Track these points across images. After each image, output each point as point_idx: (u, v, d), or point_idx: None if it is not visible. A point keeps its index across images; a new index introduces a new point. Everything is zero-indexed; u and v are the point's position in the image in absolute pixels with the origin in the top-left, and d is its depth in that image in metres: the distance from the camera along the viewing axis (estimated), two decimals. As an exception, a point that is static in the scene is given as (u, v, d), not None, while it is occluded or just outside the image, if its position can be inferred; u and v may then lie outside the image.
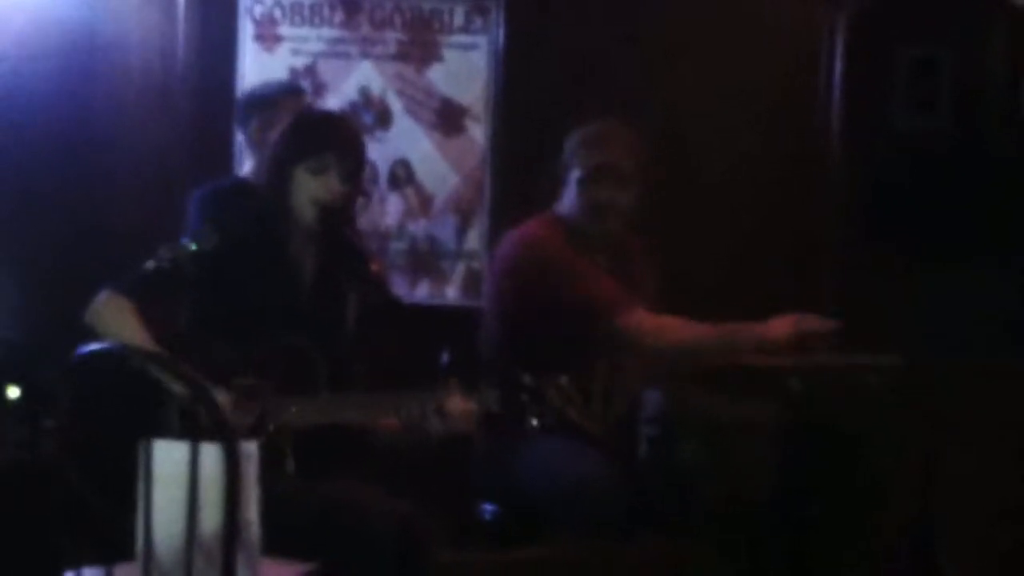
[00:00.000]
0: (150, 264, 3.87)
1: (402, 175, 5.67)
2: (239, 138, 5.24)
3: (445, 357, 3.97)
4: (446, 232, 5.69)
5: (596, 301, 4.34)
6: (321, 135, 3.97)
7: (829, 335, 4.26)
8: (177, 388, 3.68)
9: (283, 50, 5.66)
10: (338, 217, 3.96)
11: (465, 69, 5.70)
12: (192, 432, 3.06)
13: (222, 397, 3.71)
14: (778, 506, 4.27)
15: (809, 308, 4.24)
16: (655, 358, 4.23)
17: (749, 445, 4.30)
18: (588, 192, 4.50)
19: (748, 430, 4.32)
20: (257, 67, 5.61)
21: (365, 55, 5.68)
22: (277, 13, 5.66)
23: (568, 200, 4.54)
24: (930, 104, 5.52)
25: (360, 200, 4.14)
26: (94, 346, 3.77)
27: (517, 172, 5.52)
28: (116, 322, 3.80)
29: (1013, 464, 4.50)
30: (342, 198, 3.94)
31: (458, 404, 3.81)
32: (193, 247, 3.89)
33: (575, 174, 4.51)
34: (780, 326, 4.24)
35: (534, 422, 3.82)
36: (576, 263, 4.43)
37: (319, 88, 5.61)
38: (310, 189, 3.92)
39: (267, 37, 5.66)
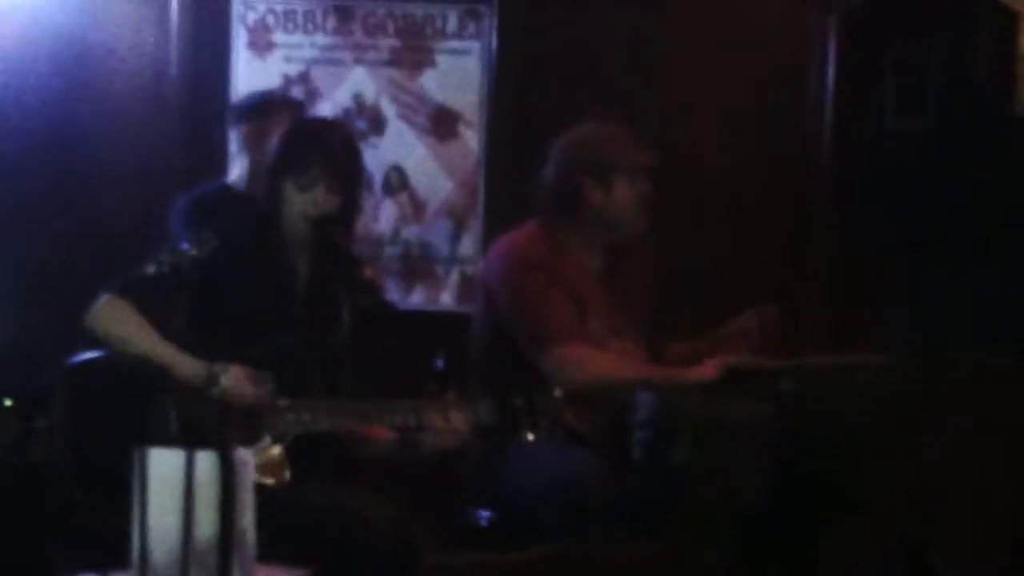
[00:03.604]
0: (150, 268, 3.88)
1: (396, 181, 5.68)
2: (232, 143, 5.25)
3: (439, 363, 3.98)
4: (440, 238, 5.69)
5: (544, 329, 4.37)
6: (308, 149, 3.97)
7: (759, 362, 4.35)
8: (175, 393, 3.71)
9: (276, 57, 5.66)
10: (331, 227, 3.97)
11: (458, 75, 5.70)
12: (188, 439, 3.07)
13: (236, 371, 3.73)
14: (771, 508, 4.28)
15: (799, 306, 4.29)
16: (577, 392, 4.23)
17: (742, 447, 4.31)
18: (637, 190, 4.52)
19: (741, 432, 4.33)
20: (250, 74, 5.61)
21: (358, 61, 5.68)
22: (270, 20, 5.67)
23: (599, 201, 4.52)
24: (919, 105, 5.54)
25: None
26: (91, 353, 3.81)
27: (511, 177, 5.52)
28: (121, 325, 3.82)
29: (1006, 462, 4.51)
30: (333, 209, 3.96)
31: (453, 415, 3.82)
32: (193, 252, 3.91)
33: (619, 173, 4.51)
34: (705, 371, 4.33)
35: (530, 436, 3.85)
36: (548, 283, 4.44)
37: (312, 95, 5.61)
38: (299, 204, 3.94)
39: (260, 44, 5.66)
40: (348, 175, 4.00)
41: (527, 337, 4.40)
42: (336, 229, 3.99)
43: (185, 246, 3.94)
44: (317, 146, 3.99)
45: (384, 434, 3.96)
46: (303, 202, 3.94)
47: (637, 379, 4.37)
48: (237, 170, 5.01)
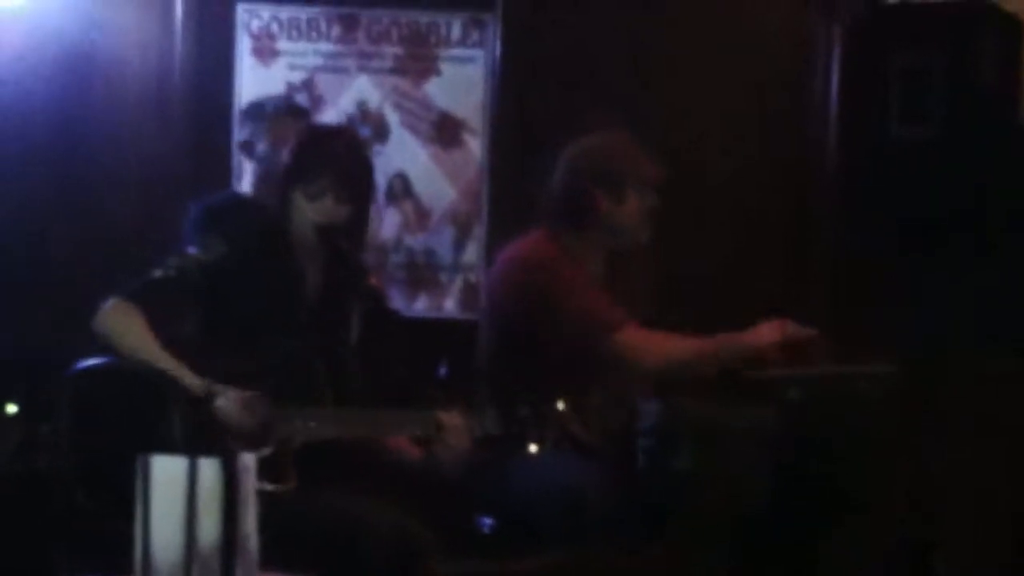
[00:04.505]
0: (158, 273, 3.88)
1: (399, 189, 5.68)
2: (238, 152, 5.26)
3: (443, 371, 3.98)
4: (444, 245, 5.70)
5: (593, 320, 4.36)
6: (317, 159, 3.97)
7: (812, 342, 4.32)
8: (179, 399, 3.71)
9: (280, 64, 5.67)
10: (341, 236, 3.97)
11: (462, 83, 5.71)
12: (192, 444, 3.08)
13: (233, 395, 3.72)
14: (774, 513, 4.29)
15: (803, 313, 4.30)
16: (649, 374, 4.28)
17: (745, 453, 4.32)
18: (645, 202, 4.54)
19: (744, 438, 4.33)
20: (254, 81, 5.62)
21: (362, 69, 5.69)
22: (274, 28, 5.68)
23: (608, 211, 4.53)
24: (923, 112, 5.54)
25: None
26: (96, 359, 3.81)
27: (514, 185, 5.53)
28: (126, 330, 3.82)
29: (1007, 464, 4.52)
30: (342, 219, 3.95)
31: (458, 424, 3.83)
32: (200, 256, 3.91)
33: (629, 185, 4.53)
34: (767, 333, 4.31)
35: (533, 448, 3.85)
36: (574, 282, 4.44)
37: (316, 102, 5.62)
38: (308, 213, 3.94)
39: (264, 51, 5.67)
40: (357, 185, 4.00)
41: (575, 334, 4.36)
42: (344, 238, 3.99)
43: (192, 251, 3.95)
44: (327, 155, 3.99)
45: (408, 447, 3.95)
46: (312, 210, 3.94)
47: (703, 353, 4.36)
48: (245, 180, 5.02)
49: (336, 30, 5.69)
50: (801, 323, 4.38)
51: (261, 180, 4.89)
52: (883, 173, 5.51)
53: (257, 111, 5.12)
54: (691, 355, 4.36)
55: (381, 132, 5.67)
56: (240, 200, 4.97)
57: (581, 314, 4.37)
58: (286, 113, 5.07)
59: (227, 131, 5.42)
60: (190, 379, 3.73)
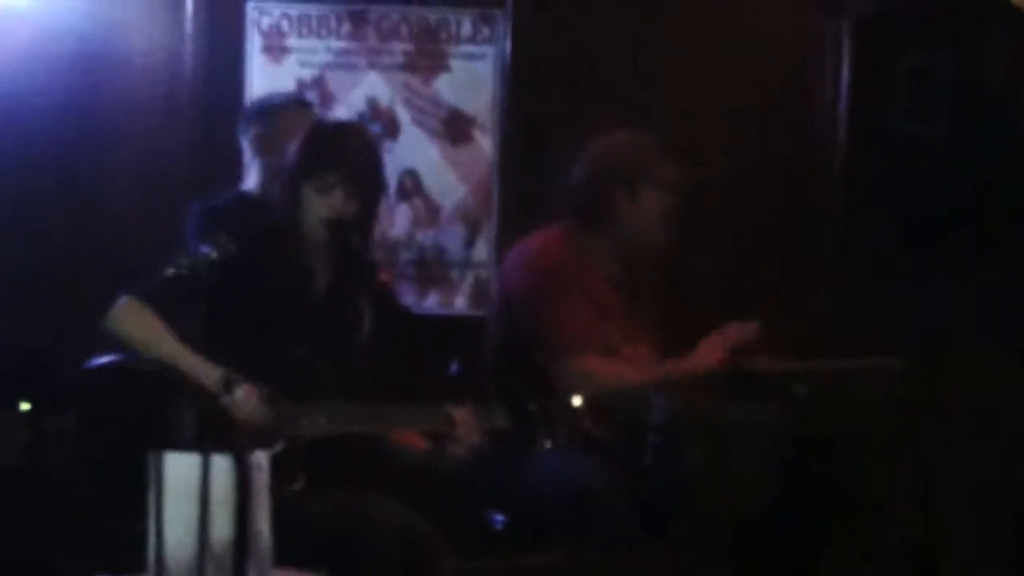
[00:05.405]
0: (169, 271, 3.90)
1: (410, 185, 5.69)
2: (244, 151, 5.27)
3: (454, 368, 4.00)
4: (454, 242, 5.70)
5: (558, 339, 4.37)
6: (327, 153, 3.98)
7: (758, 338, 4.36)
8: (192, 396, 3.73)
9: (291, 62, 5.68)
10: (349, 231, 3.98)
11: (472, 79, 5.71)
12: (204, 442, 3.09)
13: (249, 387, 3.74)
14: (781, 510, 4.29)
15: (806, 310, 4.32)
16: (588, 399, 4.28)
17: (754, 451, 4.32)
18: (664, 203, 4.55)
19: (752, 436, 4.34)
20: (265, 79, 5.62)
21: (372, 66, 5.69)
22: (284, 25, 5.68)
23: (625, 210, 4.54)
24: (930, 111, 5.55)
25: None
26: (107, 356, 3.83)
27: (524, 182, 5.54)
28: (138, 327, 3.84)
29: (1008, 463, 4.53)
30: (351, 214, 3.96)
31: (469, 419, 3.84)
32: (211, 255, 3.92)
33: (648, 185, 4.53)
34: (709, 352, 4.35)
35: (547, 443, 3.86)
36: (563, 290, 4.45)
37: (327, 99, 5.63)
38: (317, 207, 3.95)
39: (274, 49, 5.68)
40: (367, 179, 4.01)
41: (542, 344, 4.41)
42: (353, 234, 4.00)
43: (204, 249, 3.95)
44: (337, 149, 4.00)
45: (414, 441, 3.97)
46: (321, 205, 3.95)
47: (646, 382, 4.38)
48: (252, 177, 5.02)
49: (346, 27, 5.69)
50: (802, 323, 4.40)
51: (270, 176, 4.89)
52: (889, 171, 5.52)
53: (264, 107, 5.12)
54: (634, 386, 4.38)
55: (391, 129, 5.67)
56: (246, 199, 4.97)
57: (551, 328, 4.39)
58: (295, 108, 5.08)
59: (237, 129, 5.42)
60: (208, 370, 3.75)
